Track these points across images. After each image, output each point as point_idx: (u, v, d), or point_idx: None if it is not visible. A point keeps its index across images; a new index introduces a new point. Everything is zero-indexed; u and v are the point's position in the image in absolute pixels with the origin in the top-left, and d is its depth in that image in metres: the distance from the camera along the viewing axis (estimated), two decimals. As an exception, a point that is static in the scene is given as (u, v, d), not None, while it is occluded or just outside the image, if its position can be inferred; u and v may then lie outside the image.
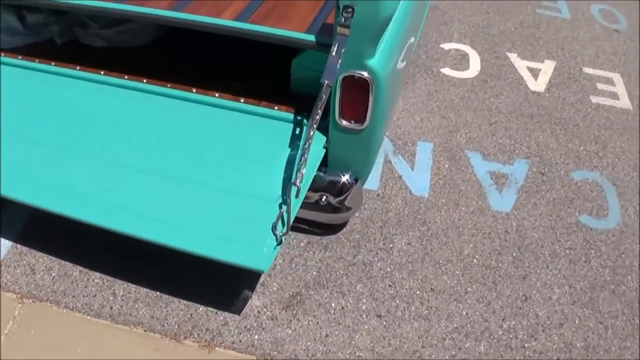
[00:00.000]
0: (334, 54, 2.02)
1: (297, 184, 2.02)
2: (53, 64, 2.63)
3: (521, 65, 3.82)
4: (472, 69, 3.74)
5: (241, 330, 2.30)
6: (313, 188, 2.31)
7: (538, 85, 3.68)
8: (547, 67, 3.84)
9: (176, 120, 2.42)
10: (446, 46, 3.91)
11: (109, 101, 2.50)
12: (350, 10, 1.99)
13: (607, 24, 4.43)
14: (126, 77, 2.54)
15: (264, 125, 2.37)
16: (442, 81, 3.61)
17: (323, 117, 2.13)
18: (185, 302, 2.37)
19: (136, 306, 2.35)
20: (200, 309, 2.35)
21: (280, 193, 2.09)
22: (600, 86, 3.75)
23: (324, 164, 2.36)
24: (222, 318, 2.33)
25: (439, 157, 3.13)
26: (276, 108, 2.39)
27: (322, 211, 2.47)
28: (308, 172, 2.13)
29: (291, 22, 2.26)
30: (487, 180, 3.03)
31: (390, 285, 2.50)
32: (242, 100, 2.43)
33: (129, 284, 2.42)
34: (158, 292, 2.40)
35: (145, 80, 2.53)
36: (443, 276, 2.56)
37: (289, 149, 2.25)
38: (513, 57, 3.89)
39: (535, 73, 3.77)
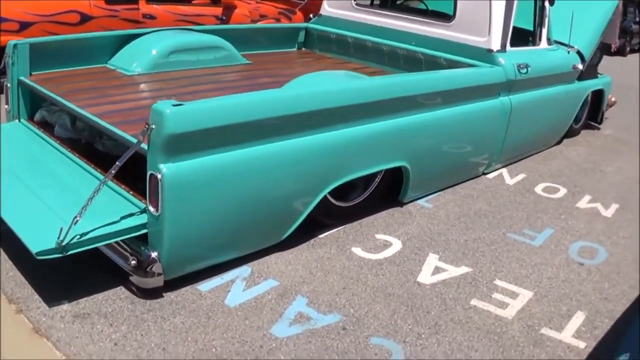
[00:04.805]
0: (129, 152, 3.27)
1: (78, 217, 3.12)
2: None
3: (431, 263, 4.20)
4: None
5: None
6: (129, 251, 3.40)
7: (424, 277, 4.02)
8: (455, 271, 4.14)
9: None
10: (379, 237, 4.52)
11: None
12: (147, 127, 3.19)
13: (576, 258, 4.46)
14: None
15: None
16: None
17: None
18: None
19: None
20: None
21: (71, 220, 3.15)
22: (496, 295, 3.88)
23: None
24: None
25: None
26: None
27: (130, 270, 3.42)
28: (110, 230, 3.28)
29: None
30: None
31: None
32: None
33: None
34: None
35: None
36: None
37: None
38: (433, 258, 4.29)
39: (438, 271, 4.12)
